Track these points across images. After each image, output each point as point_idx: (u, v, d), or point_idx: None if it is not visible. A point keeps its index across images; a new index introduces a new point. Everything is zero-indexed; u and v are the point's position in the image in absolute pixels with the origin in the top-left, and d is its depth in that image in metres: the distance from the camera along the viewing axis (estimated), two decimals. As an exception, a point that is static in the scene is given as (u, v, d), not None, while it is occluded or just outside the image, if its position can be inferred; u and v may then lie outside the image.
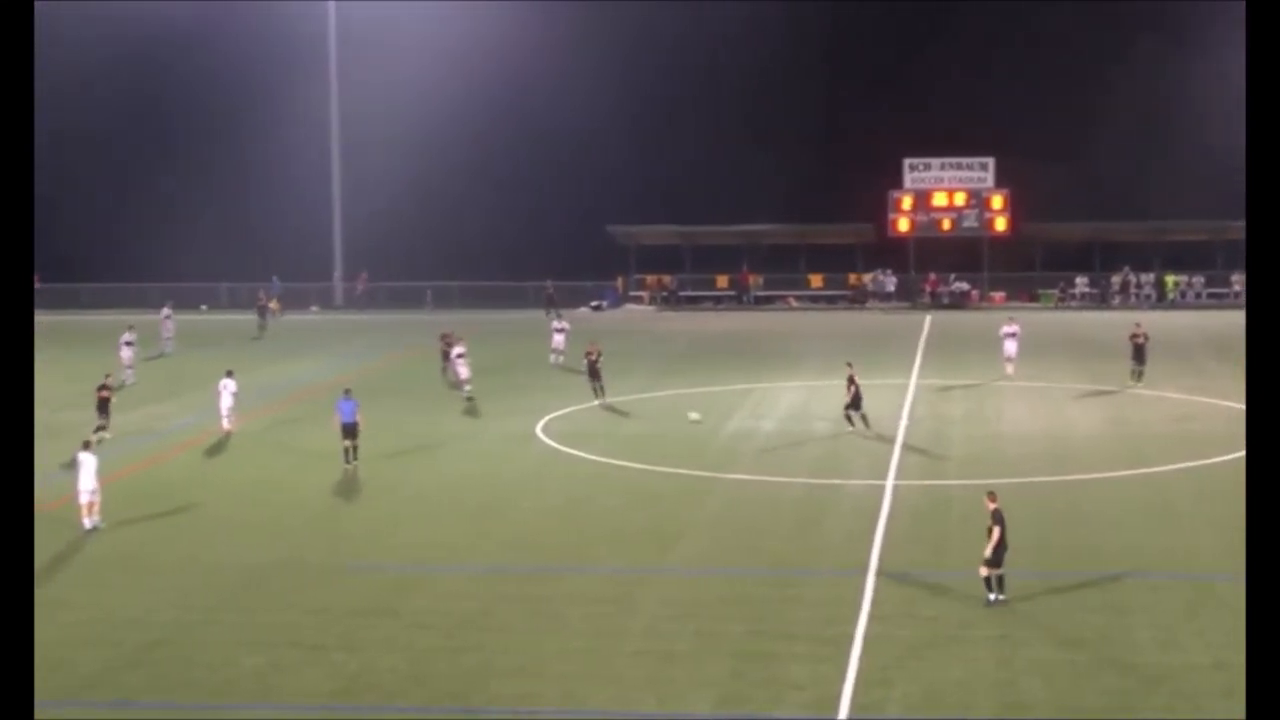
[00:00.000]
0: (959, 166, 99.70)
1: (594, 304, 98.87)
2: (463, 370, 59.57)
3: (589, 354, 58.87)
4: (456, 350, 60.43)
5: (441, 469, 46.81)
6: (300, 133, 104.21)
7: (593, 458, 47.74)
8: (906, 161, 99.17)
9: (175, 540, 37.96)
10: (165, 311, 78.45)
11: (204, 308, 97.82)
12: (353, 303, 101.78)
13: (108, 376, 53.31)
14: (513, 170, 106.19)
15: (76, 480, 38.41)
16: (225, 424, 51.79)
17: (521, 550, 36.63)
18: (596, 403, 57.42)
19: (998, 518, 30.87)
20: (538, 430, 52.42)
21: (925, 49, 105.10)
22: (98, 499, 38.52)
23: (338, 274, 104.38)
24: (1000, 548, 30.70)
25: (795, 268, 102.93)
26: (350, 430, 46.60)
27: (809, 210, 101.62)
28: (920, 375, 64.14)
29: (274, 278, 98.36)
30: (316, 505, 41.97)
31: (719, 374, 65.76)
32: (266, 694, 26.77)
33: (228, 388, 52.11)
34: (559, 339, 69.34)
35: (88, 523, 38.33)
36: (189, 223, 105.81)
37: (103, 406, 50.80)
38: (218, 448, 50.18)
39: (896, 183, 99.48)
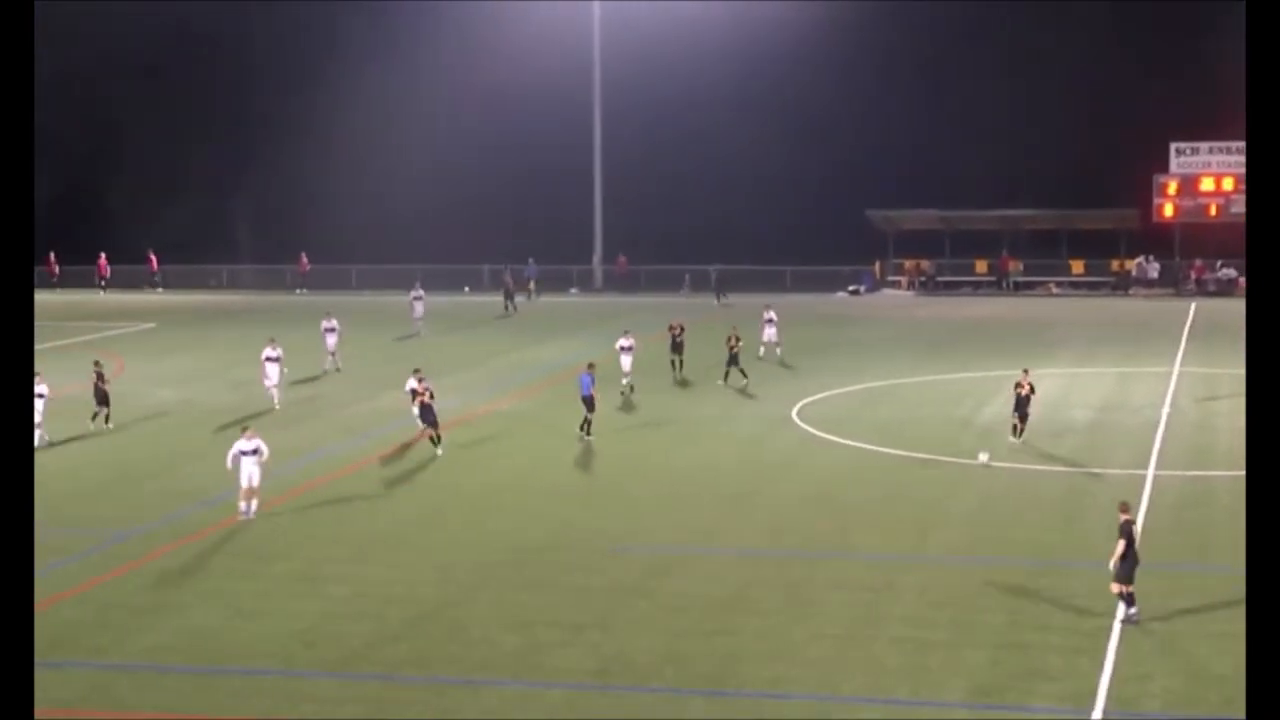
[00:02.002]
0: (1228, 150, 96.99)
1: (851, 289, 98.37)
2: (625, 362, 56.97)
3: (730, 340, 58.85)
4: (621, 343, 57.56)
5: (698, 452, 47.06)
6: (562, 119, 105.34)
7: (849, 443, 47.61)
8: (1173, 146, 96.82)
9: (435, 519, 38.78)
10: (415, 292, 78.96)
11: (467, 289, 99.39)
12: (612, 285, 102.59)
13: (419, 377, 48.33)
14: (771, 155, 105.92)
15: (240, 475, 38.31)
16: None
17: (777, 535, 36.71)
18: (720, 382, 58.14)
19: (1125, 530, 29.26)
20: (793, 415, 52.41)
21: (1194, 32, 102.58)
22: (255, 483, 38.21)
23: (597, 257, 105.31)
24: (1129, 562, 29.10)
25: (1056, 253, 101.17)
26: (589, 403, 47.92)
27: (1071, 195, 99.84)
28: (1184, 364, 62.71)
29: (530, 260, 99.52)
30: (574, 487, 42.50)
31: (977, 360, 65.04)
32: (526, 672, 27.23)
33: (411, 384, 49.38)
34: (770, 331, 66.08)
35: (243, 506, 38.26)
36: (453, 206, 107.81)
37: (425, 413, 46.66)
38: (477, 429, 50.98)
39: (1163, 167, 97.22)
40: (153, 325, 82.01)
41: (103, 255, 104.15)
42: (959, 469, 43.64)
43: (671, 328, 61.04)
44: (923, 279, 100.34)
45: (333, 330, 64.40)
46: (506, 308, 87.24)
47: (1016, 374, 47.99)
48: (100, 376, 51.31)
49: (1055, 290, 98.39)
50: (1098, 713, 24.85)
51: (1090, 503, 39.28)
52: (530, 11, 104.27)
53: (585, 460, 45.87)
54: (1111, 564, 29.22)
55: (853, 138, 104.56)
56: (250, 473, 38.11)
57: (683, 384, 58.88)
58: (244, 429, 39.56)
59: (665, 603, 30.96)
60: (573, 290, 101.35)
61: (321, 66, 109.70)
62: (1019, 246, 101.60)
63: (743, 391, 56.99)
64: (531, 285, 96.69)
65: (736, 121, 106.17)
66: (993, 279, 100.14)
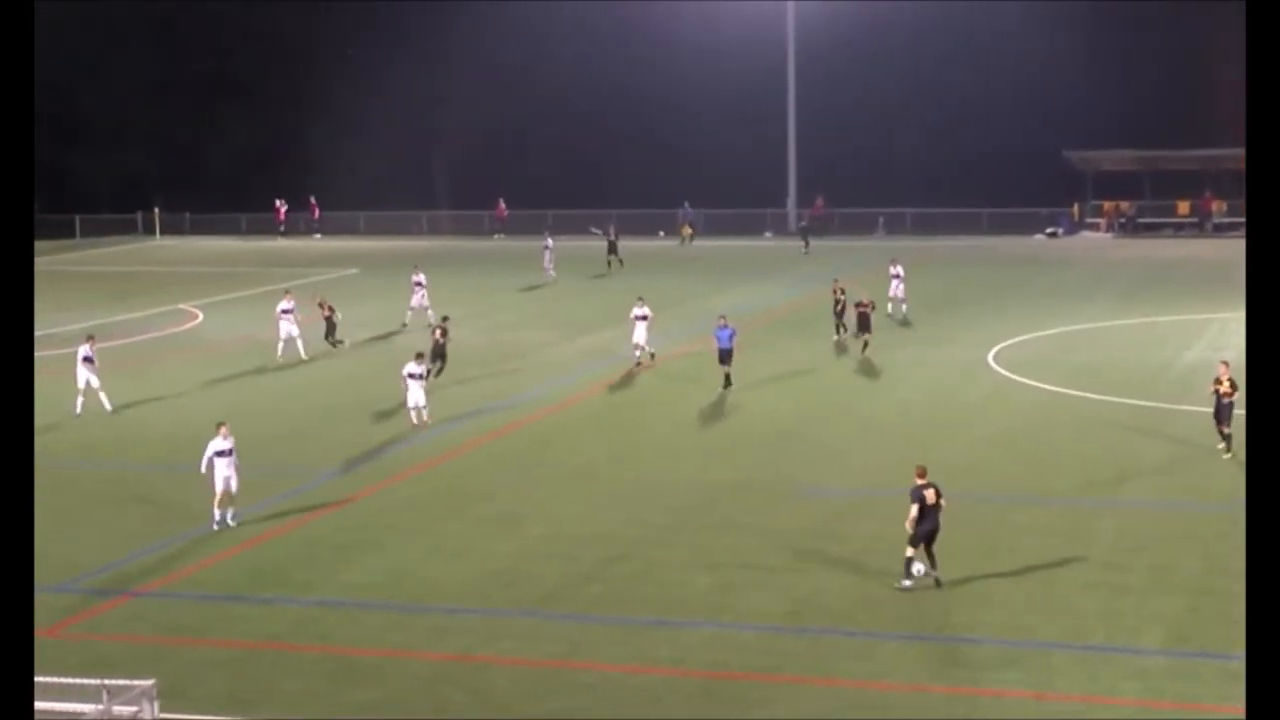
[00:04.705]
0: None
1: (1049, 231, 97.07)
2: (638, 332, 51.63)
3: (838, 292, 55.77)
4: (636, 312, 52.17)
5: (890, 396, 46.96)
6: (755, 61, 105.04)
7: (1046, 386, 47.18)
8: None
9: (627, 460, 39.19)
10: (545, 241, 78.23)
11: (661, 234, 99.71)
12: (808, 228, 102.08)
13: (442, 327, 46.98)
14: (969, 96, 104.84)
15: (212, 477, 33.49)
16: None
17: (971, 478, 36.48)
18: (834, 336, 55.52)
19: (915, 495, 28.05)
20: (989, 359, 52.02)
21: None
22: (233, 488, 33.42)
23: (790, 199, 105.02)
24: (918, 525, 27.97)
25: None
26: (725, 356, 47.17)
27: None
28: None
29: (685, 204, 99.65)
30: (767, 429, 42.56)
31: (1178, 303, 63.96)
32: (718, 613, 27.46)
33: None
34: (897, 287, 61.98)
35: (218, 514, 33.36)
36: (646, 150, 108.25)
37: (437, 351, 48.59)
38: (666, 372, 51.21)
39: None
40: (355, 271, 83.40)
41: (277, 201, 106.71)
42: (1157, 413, 43.05)
43: (835, 291, 56.16)
44: (1122, 220, 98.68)
45: (420, 285, 62.40)
46: (609, 263, 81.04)
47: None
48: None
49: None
50: (1299, 661, 24.46)
51: (1293, 448, 38.48)
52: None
53: (775, 404, 45.91)
54: (909, 526, 28.12)
55: (1050, 77, 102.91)
56: (226, 476, 33.17)
57: (834, 354, 54.43)
58: (219, 425, 33.87)
59: (856, 545, 30.98)
60: (766, 234, 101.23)
61: (517, 11, 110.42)
62: (1223, 187, 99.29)
63: (836, 345, 55.06)
64: (687, 229, 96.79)
65: (932, 62, 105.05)
66: (1194, 220, 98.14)
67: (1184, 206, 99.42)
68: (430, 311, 61.34)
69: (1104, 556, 30.15)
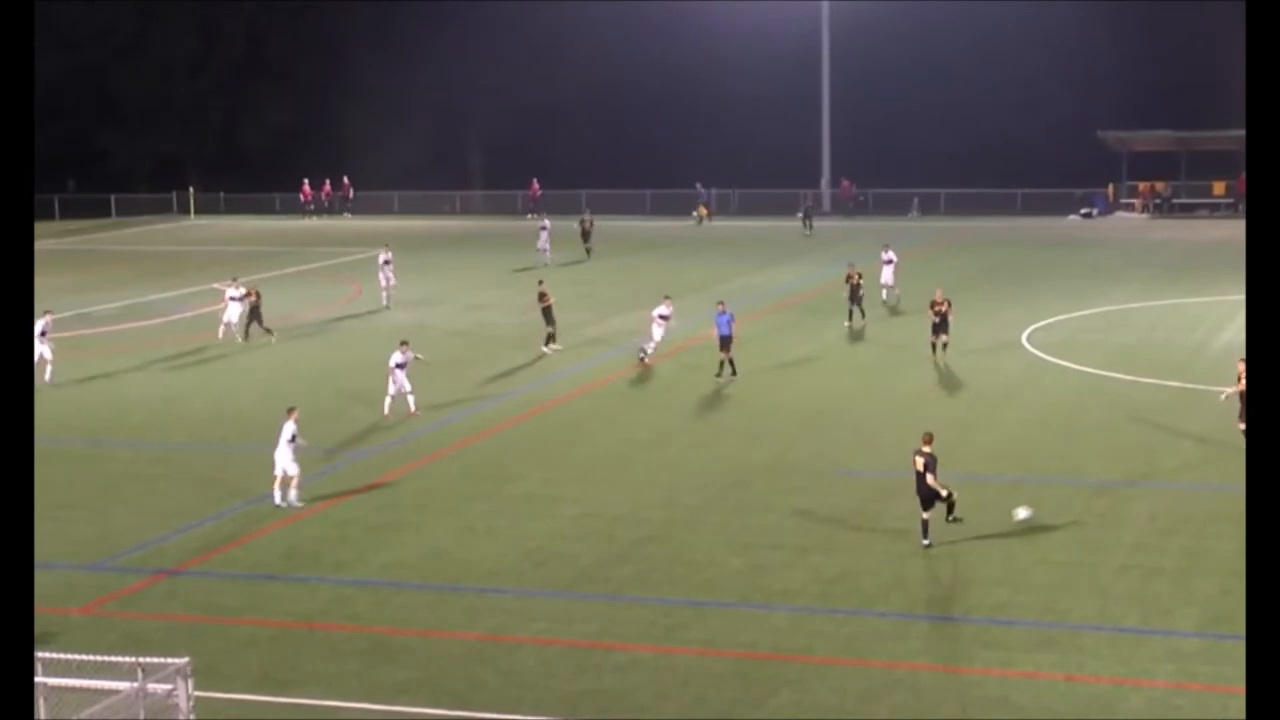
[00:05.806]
0: None
1: (1084, 211, 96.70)
2: (656, 332, 50.05)
3: (849, 277, 55.42)
4: (659, 311, 50.44)
5: (923, 377, 46.89)
6: (790, 43, 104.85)
7: (1080, 368, 47.06)
8: None
9: (661, 441, 39.19)
10: (542, 223, 77.45)
11: (694, 214, 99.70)
12: (840, 209, 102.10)
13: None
14: (1004, 76, 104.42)
15: (275, 461, 33.73)
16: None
17: (1004, 459, 36.52)
18: (845, 323, 55.20)
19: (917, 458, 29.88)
20: (1023, 340, 51.91)
21: None
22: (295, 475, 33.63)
23: (824, 181, 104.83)
24: (920, 489, 29.71)
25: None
26: (724, 343, 46.67)
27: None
28: None
29: (697, 184, 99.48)
30: (799, 410, 42.57)
31: (1213, 284, 63.67)
32: (749, 594, 27.51)
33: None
34: (888, 272, 60.13)
35: (278, 496, 33.60)
36: (680, 131, 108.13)
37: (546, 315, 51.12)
38: (702, 353, 51.18)
39: None
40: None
41: (305, 182, 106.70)
42: (1191, 395, 42.92)
43: (850, 276, 55.77)
44: (1157, 201, 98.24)
45: (388, 264, 62.14)
46: (587, 251, 79.33)
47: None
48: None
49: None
50: (1333, 644, 24.37)
51: (1329, 430, 38.33)
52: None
53: (806, 387, 45.92)
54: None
55: (1085, 57, 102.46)
56: (286, 462, 33.48)
57: (858, 336, 54.30)
58: (290, 410, 34.04)
59: (889, 526, 31.00)
60: (799, 214, 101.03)
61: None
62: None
63: (860, 333, 54.52)
64: (703, 210, 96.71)
65: (968, 42, 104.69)
66: (1230, 201, 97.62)
67: (1220, 187, 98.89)
68: (390, 293, 61.65)
69: (1137, 539, 30.11)
